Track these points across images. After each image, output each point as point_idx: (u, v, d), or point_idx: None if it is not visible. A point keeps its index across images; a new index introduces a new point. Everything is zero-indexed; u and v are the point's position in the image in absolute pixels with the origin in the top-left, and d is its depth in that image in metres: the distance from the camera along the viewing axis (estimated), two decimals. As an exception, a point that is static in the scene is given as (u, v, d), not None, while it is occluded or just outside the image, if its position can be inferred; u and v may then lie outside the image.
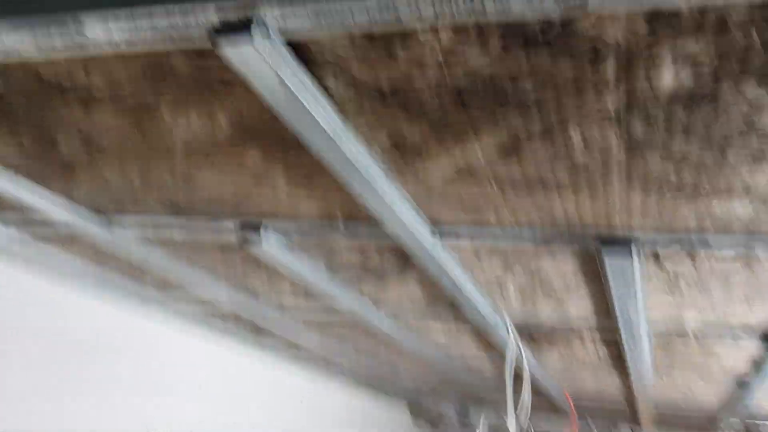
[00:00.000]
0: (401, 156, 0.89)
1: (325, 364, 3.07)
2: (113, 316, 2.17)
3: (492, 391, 3.12)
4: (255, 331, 2.47)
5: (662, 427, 3.64)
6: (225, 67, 0.76)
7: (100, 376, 2.12)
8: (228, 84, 0.80)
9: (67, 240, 1.57)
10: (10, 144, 1.06)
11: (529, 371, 1.93)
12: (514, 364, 1.76)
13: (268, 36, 0.66)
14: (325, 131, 0.82)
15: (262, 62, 0.69)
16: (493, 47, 0.64)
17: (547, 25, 0.60)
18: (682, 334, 1.63)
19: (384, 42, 0.66)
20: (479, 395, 3.52)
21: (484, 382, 2.95)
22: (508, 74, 0.67)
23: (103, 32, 0.71)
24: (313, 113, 0.78)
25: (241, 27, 0.65)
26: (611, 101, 0.69)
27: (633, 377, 2.17)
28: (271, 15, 0.64)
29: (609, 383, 2.46)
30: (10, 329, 1.80)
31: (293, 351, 2.82)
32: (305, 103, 0.76)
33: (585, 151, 0.80)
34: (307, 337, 2.42)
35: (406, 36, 0.64)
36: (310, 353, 2.81)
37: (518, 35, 0.62)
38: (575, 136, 0.77)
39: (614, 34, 0.60)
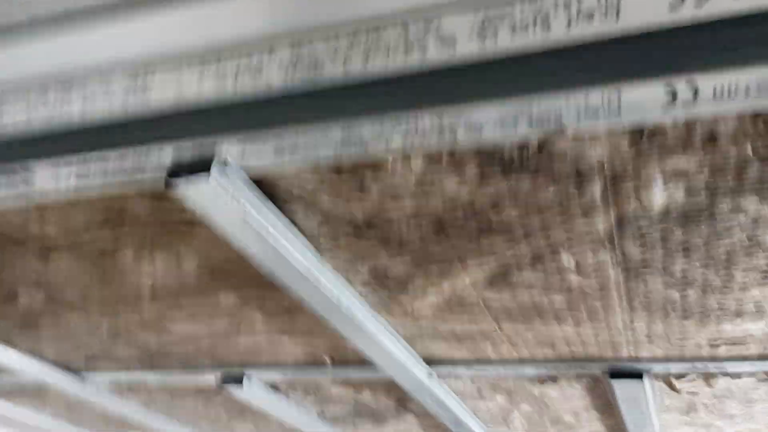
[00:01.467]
0: (385, 290, 0.82)
1: None
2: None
3: None
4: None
5: None
6: (185, 209, 0.71)
7: None
8: (190, 224, 0.75)
9: (37, 396, 1.47)
10: (-30, 298, 1.00)
11: None
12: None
13: (228, 174, 0.62)
14: (298, 269, 0.76)
15: (223, 200, 0.64)
16: (470, 173, 0.59)
17: (524, 148, 0.56)
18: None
19: (353, 174, 0.61)
20: None
21: None
22: (489, 201, 0.63)
23: (52, 180, 0.66)
24: (282, 251, 0.72)
25: (199, 167, 0.61)
26: (601, 223, 0.64)
27: None
28: (230, 152, 0.60)
29: None
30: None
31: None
32: (274, 241, 0.71)
33: (579, 276, 0.74)
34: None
35: (376, 167, 0.60)
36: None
37: (495, 160, 0.58)
38: (567, 261, 0.71)
39: (597, 154, 0.55)
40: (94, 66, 0.53)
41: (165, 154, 0.61)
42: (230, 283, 0.88)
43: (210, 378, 1.23)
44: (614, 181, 0.58)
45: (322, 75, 0.53)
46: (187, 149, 0.60)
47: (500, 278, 0.76)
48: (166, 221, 0.75)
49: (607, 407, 1.18)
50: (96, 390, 1.35)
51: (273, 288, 0.88)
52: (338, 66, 0.52)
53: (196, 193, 0.64)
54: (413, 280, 0.78)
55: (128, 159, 0.62)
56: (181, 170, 0.62)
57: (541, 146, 0.55)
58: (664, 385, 1.04)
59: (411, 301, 0.84)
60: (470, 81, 0.50)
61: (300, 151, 0.58)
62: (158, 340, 1.09)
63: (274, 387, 1.26)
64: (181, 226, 0.76)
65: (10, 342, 1.15)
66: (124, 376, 1.28)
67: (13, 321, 1.07)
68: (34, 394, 1.46)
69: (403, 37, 0.50)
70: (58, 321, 1.05)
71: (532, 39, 0.47)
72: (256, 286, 0.88)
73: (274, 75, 0.54)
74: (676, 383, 1.03)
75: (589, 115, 0.49)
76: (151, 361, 1.19)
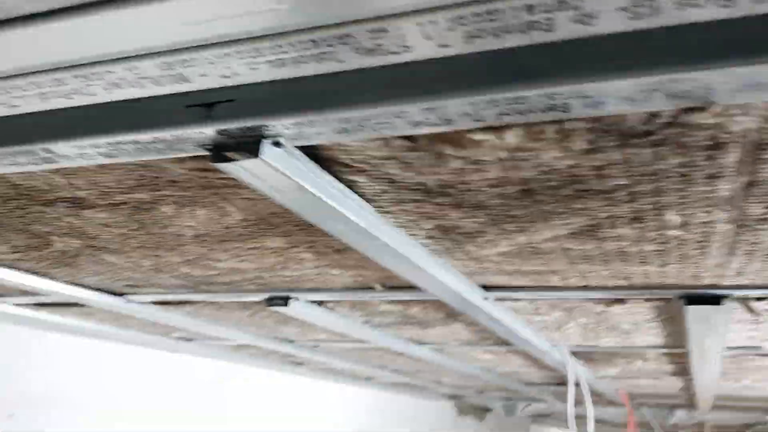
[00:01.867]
0: (451, 241, 0.74)
1: (364, 379, 2.96)
2: (137, 367, 2.07)
3: (539, 390, 2.99)
4: (293, 362, 2.36)
5: (720, 409, 3.48)
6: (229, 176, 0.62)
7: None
8: (235, 187, 0.66)
9: (83, 312, 1.46)
10: (2, 245, 0.94)
11: (588, 386, 1.79)
12: (574, 389, 1.62)
13: (280, 152, 0.52)
14: (358, 224, 0.67)
15: (274, 177, 0.55)
16: (577, 145, 0.49)
17: (652, 119, 0.45)
18: (760, 353, 1.47)
19: (430, 147, 0.51)
20: (526, 394, 3.40)
21: (531, 386, 2.82)
22: (593, 169, 0.52)
23: (78, 155, 0.57)
24: (341, 211, 0.63)
25: (248, 147, 0.51)
26: (726, 188, 0.54)
27: (696, 382, 2.02)
28: (285, 131, 0.49)
29: (669, 385, 2.31)
30: (28, 391, 1.71)
31: (331, 374, 2.71)
32: (331, 203, 0.61)
33: (682, 231, 0.64)
34: (344, 362, 2.30)
35: (459, 136, 0.49)
36: (348, 372, 2.70)
37: (612, 132, 0.47)
38: (673, 219, 0.62)
39: (744, 124, 0.44)
40: (131, 48, 0.41)
41: (210, 131, 0.51)
42: (277, 232, 0.81)
43: (256, 298, 1.20)
44: (755, 149, 0.48)
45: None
46: (235, 127, 0.50)
47: (587, 233, 0.67)
48: (208, 185, 0.66)
49: (672, 321, 1.13)
50: (140, 306, 1.33)
51: (324, 234, 0.80)
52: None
53: (243, 171, 0.54)
54: (485, 235, 0.70)
55: (164, 137, 0.52)
56: (227, 149, 0.52)
57: (674, 119, 0.44)
58: (741, 306, 0.98)
59: (478, 249, 0.76)
60: (598, 53, 0.38)
61: (368, 128, 0.48)
62: (202, 273, 1.04)
63: (320, 304, 1.23)
64: (224, 189, 0.67)
65: (48, 275, 1.11)
66: (168, 296, 1.25)
67: (50, 261, 1.01)
68: (79, 310, 1.45)
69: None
70: (95, 261, 1.00)
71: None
72: (306, 233, 0.81)
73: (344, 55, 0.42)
74: (755, 305, 0.96)
75: (747, 90, 0.38)
76: (196, 287, 1.15)
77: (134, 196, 0.71)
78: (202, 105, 0.49)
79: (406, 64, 0.42)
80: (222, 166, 0.53)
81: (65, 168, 0.63)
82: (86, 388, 1.87)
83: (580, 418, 1.70)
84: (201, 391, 2.31)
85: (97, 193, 0.71)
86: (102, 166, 0.63)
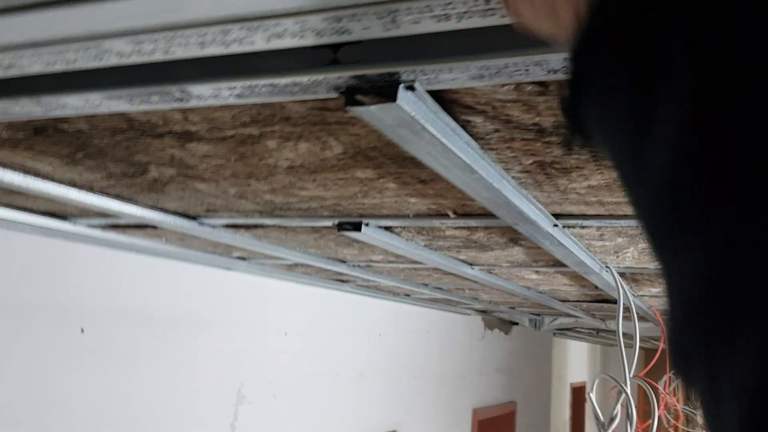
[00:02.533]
0: (545, 174, 0.77)
1: (403, 295, 3.07)
2: (194, 284, 2.17)
3: (572, 306, 3.08)
4: (338, 279, 2.45)
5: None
6: (346, 113, 0.65)
7: (188, 346, 2.15)
8: (348, 124, 0.69)
9: (153, 233, 1.53)
10: (96, 172, 0.99)
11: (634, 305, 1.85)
12: (622, 307, 1.68)
13: (414, 96, 0.55)
14: (462, 160, 0.70)
15: (400, 119, 0.58)
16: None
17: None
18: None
19: (560, 89, 0.53)
20: (557, 309, 3.50)
21: (565, 303, 2.91)
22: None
23: (212, 95, 0.60)
24: (449, 146, 0.67)
25: (383, 91, 0.54)
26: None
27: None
28: (422, 76, 0.52)
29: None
30: (98, 307, 1.81)
31: (373, 290, 2.81)
32: (444, 141, 0.65)
33: None
34: (389, 280, 2.38)
35: (590, 87, 0.52)
36: (390, 289, 2.80)
37: None
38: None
39: None
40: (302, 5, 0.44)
41: (346, 78, 0.54)
42: (370, 164, 0.84)
43: (327, 223, 1.25)
44: None
45: None
46: (374, 72, 0.52)
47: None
48: (319, 122, 0.69)
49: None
50: (211, 229, 1.39)
51: (415, 166, 0.83)
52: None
53: (372, 113, 0.57)
54: (582, 170, 0.73)
55: (300, 78, 0.55)
56: (360, 92, 0.55)
57: None
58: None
59: (568, 183, 0.79)
60: None
61: (506, 72, 0.50)
62: (283, 200, 1.09)
63: (388, 229, 1.28)
64: (335, 125, 0.70)
65: (132, 200, 1.17)
66: (240, 220, 1.31)
67: (139, 188, 1.06)
68: (150, 232, 1.52)
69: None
70: (184, 188, 1.04)
71: None
72: (398, 165, 0.84)
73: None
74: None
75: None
76: (271, 212, 1.20)
77: (244, 131, 0.75)
78: (341, 49, 0.52)
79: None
80: (355, 109, 0.56)
81: (190, 107, 0.67)
82: (149, 304, 1.97)
83: (602, 332, 1.77)
84: (248, 304, 2.42)
85: (208, 128, 0.75)
86: (225, 105, 0.66)
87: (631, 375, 1.40)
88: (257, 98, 0.60)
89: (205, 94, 0.60)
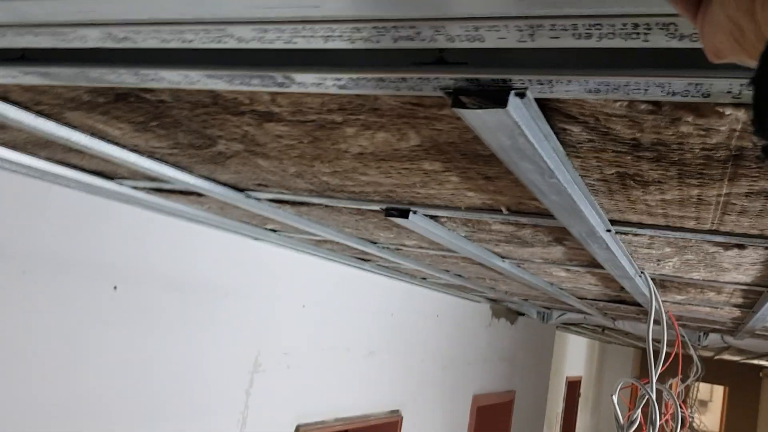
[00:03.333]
0: (621, 184, 0.78)
1: (421, 279, 3.09)
2: (223, 252, 2.19)
3: (588, 304, 3.10)
4: (361, 258, 2.47)
5: (754, 337, 3.58)
6: (437, 111, 0.66)
7: (212, 311, 2.18)
8: (436, 119, 0.70)
9: (195, 201, 1.54)
10: (164, 141, 1.00)
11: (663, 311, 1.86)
12: (654, 311, 1.68)
13: (522, 102, 0.55)
14: (544, 163, 0.71)
15: (502, 124, 0.58)
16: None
17: None
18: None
19: (672, 110, 0.54)
20: (569, 305, 3.51)
21: (581, 300, 2.92)
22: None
23: (314, 84, 0.61)
24: (538, 151, 0.67)
25: (494, 96, 0.54)
26: None
27: (757, 316, 2.09)
28: (536, 85, 0.52)
29: (725, 314, 2.38)
30: (131, 266, 1.84)
31: (392, 271, 2.82)
32: (536, 147, 0.65)
33: None
34: (413, 263, 2.40)
35: (706, 107, 0.52)
36: (409, 271, 2.82)
37: None
38: None
39: None
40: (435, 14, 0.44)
41: (455, 77, 0.54)
42: (441, 157, 0.85)
43: (375, 207, 1.26)
44: None
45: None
46: (484, 77, 0.53)
47: (766, 195, 0.70)
48: (406, 115, 0.70)
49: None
50: (256, 202, 1.40)
51: (485, 164, 0.84)
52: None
53: (476, 116, 0.58)
54: (661, 185, 0.73)
55: (411, 78, 0.55)
56: (469, 95, 0.55)
57: None
58: None
59: (642, 194, 0.80)
60: None
61: (623, 89, 0.51)
62: (340, 183, 1.10)
63: (434, 218, 1.28)
64: (421, 120, 0.70)
65: (188, 169, 1.18)
66: (288, 197, 1.32)
67: (201, 159, 1.07)
68: (193, 198, 1.53)
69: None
70: (245, 163, 1.05)
71: None
72: (468, 161, 0.85)
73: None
74: None
75: None
76: (322, 192, 1.21)
77: (328, 117, 0.75)
78: (445, 51, 0.52)
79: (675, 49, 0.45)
80: (461, 111, 0.56)
81: (286, 92, 0.67)
82: (179, 267, 2.00)
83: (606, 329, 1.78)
84: (271, 275, 2.44)
85: (292, 111, 0.76)
86: (322, 93, 0.67)
87: (656, 379, 1.42)
88: (359, 90, 0.60)
89: (307, 81, 0.60)
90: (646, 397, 1.52)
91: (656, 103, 0.53)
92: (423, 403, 3.86)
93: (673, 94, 0.49)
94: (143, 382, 1.90)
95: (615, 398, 1.54)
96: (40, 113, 0.93)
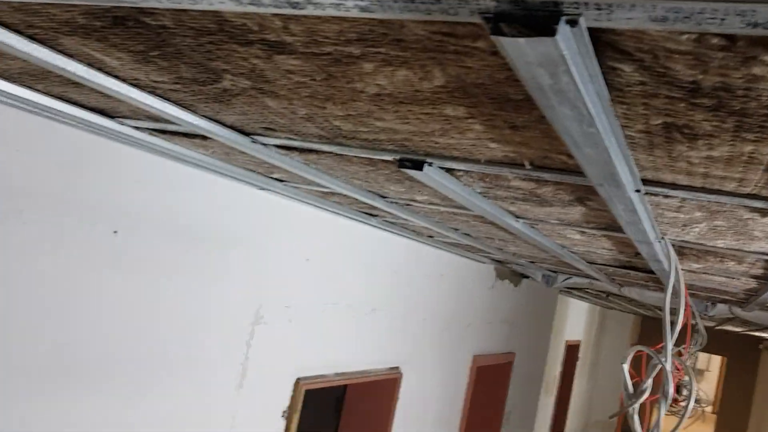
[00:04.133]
0: (665, 137, 0.71)
1: (427, 236, 3.03)
2: (227, 200, 2.13)
3: (597, 269, 3.05)
4: (368, 212, 2.41)
5: (762, 309, 3.53)
6: (471, 42, 0.58)
7: (213, 260, 2.13)
8: (467, 54, 0.63)
9: (200, 145, 1.47)
10: (166, 74, 0.92)
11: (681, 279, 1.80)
12: (673, 278, 1.63)
13: (572, 33, 0.48)
14: (585, 109, 0.64)
15: (551, 53, 0.51)
16: None
17: None
18: None
19: (748, 45, 0.47)
20: (577, 269, 3.46)
21: (592, 265, 2.87)
22: None
23: (332, 5, 0.53)
24: (582, 94, 0.60)
25: (543, 22, 0.47)
26: None
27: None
28: (592, 11, 0.45)
29: (740, 284, 2.33)
30: (132, 211, 1.78)
31: (399, 227, 2.77)
32: (579, 86, 0.58)
33: None
34: (421, 220, 2.34)
35: (785, 47, 0.45)
36: (416, 228, 2.76)
37: None
38: None
39: None
40: None
41: (503, 4, 0.47)
42: (466, 101, 0.78)
43: (387, 157, 1.19)
44: None
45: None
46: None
47: (830, 152, 0.63)
48: (434, 49, 0.62)
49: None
50: (262, 148, 1.33)
51: (515, 110, 0.77)
52: None
53: (517, 47, 0.50)
54: (711, 139, 0.66)
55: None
56: (512, 21, 0.48)
57: None
58: None
59: (686, 150, 0.73)
60: None
61: (693, 20, 0.43)
62: (352, 128, 1.03)
63: (449, 171, 1.22)
64: (450, 54, 0.63)
65: (192, 108, 1.11)
66: (296, 143, 1.25)
67: (205, 97, 1.00)
68: (197, 141, 1.46)
69: None
70: (252, 102, 0.98)
71: None
72: (496, 107, 0.77)
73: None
74: None
75: None
76: (332, 139, 1.14)
77: (345, 49, 0.68)
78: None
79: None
80: (500, 39, 0.49)
81: (299, 14, 0.60)
82: (181, 214, 1.94)
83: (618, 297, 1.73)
84: (275, 226, 2.39)
85: (306, 41, 0.68)
86: (339, 17, 0.59)
87: (671, 350, 1.37)
88: (384, 13, 0.53)
89: (325, 2, 0.53)
90: (658, 366, 1.47)
91: (731, 38, 0.45)
92: (423, 362, 3.85)
93: (755, 25, 0.42)
94: (142, 329, 1.86)
95: (626, 366, 1.49)
96: (33, 38, 0.86)
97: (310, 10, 0.56)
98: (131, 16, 0.72)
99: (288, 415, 2.59)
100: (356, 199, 2.08)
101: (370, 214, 2.46)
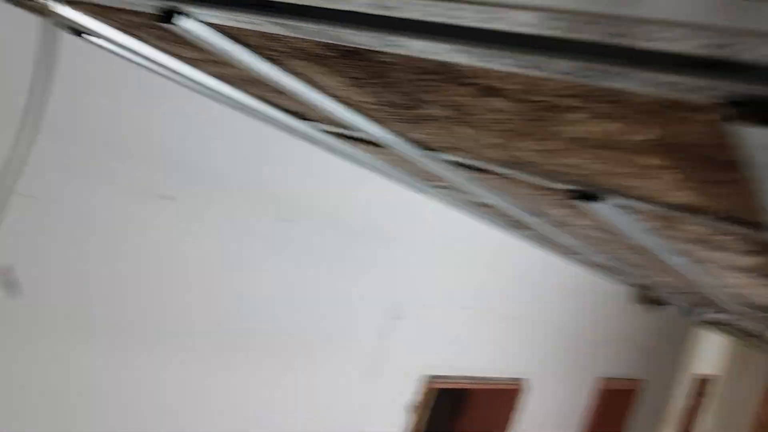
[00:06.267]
0: None
1: (572, 253, 2.99)
2: (386, 199, 2.23)
3: (749, 310, 2.86)
4: (516, 226, 2.42)
5: None
6: (695, 116, 0.60)
7: (357, 254, 2.24)
8: (685, 123, 0.64)
9: (374, 149, 1.57)
10: (370, 96, 1.00)
11: None
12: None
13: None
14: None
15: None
16: None
17: None
18: None
19: None
20: (723, 306, 3.27)
21: (741, 305, 2.70)
22: None
23: (565, 72, 0.57)
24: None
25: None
26: None
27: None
28: None
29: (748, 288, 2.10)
30: (292, 202, 1.92)
31: (548, 242, 2.75)
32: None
33: None
34: (572, 239, 2.32)
35: None
36: (563, 246, 2.73)
37: None
38: None
39: None
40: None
41: (734, 88, 0.49)
42: (666, 156, 0.79)
43: (558, 185, 1.21)
44: None
45: None
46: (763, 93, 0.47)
47: None
48: (656, 112, 0.65)
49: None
50: (434, 162, 1.39)
51: (721, 170, 0.77)
52: None
53: (747, 132, 0.52)
54: None
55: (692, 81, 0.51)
56: (742, 108, 0.50)
57: None
58: None
59: None
60: None
61: None
62: (538, 160, 1.06)
63: (622, 207, 1.22)
64: (672, 121, 0.65)
65: (383, 124, 1.19)
66: (469, 161, 1.30)
67: (401, 118, 1.08)
68: (371, 148, 1.55)
69: None
70: (444, 128, 1.04)
71: None
72: (696, 165, 0.78)
73: None
74: None
75: None
76: (508, 164, 1.18)
77: (558, 102, 0.72)
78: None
79: None
80: (730, 125, 0.51)
81: (529, 74, 0.64)
82: (340, 208, 2.06)
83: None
84: (424, 226, 2.46)
85: (520, 89, 0.73)
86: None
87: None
88: (620, 85, 0.56)
89: (563, 68, 0.57)
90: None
91: None
92: (547, 377, 3.81)
93: None
94: (287, 309, 2.00)
95: None
96: (265, 57, 0.97)
97: (538, 73, 0.60)
98: (360, 51, 0.79)
99: (417, 411, 2.67)
100: (508, 214, 2.11)
101: (518, 228, 2.47)
